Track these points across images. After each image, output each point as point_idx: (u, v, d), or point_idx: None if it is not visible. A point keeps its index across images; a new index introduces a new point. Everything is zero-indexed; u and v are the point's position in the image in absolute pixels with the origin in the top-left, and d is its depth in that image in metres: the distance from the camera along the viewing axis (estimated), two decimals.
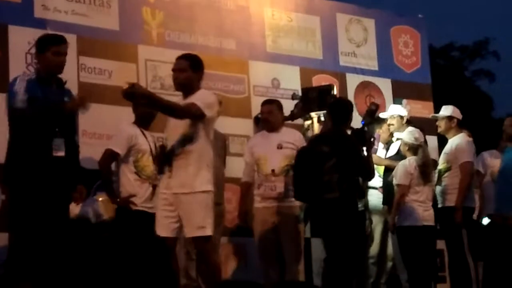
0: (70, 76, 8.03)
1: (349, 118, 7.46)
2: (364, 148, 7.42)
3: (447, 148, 8.58)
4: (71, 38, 8.37)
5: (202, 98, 6.12)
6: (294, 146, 7.56)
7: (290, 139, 7.63)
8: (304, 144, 7.60)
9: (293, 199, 7.46)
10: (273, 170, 7.50)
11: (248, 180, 7.74)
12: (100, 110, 8.21)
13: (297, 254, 7.55)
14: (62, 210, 6.15)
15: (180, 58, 6.37)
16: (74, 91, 8.00)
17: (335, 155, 7.12)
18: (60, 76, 6.41)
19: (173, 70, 6.33)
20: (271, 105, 7.85)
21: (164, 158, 6.20)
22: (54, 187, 6.07)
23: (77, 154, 6.35)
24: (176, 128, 6.15)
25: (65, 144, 6.12)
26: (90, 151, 7.47)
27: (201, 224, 5.99)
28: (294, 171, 7.34)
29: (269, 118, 7.73)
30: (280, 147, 7.57)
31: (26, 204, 6.03)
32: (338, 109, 7.54)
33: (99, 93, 8.43)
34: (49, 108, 6.08)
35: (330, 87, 8.35)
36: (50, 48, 6.26)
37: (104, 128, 7.96)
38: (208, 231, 6.00)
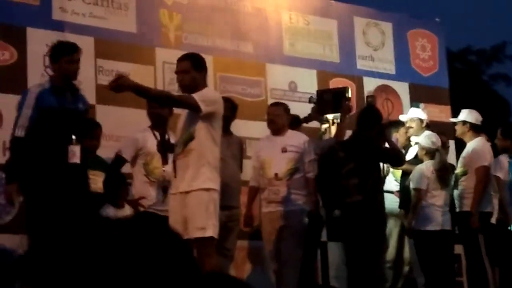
0: (87, 78, 8.11)
1: (375, 126, 7.49)
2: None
3: (464, 152, 8.56)
4: (89, 41, 8.42)
5: (201, 93, 6.09)
6: (299, 150, 7.54)
7: (295, 142, 7.60)
8: (310, 147, 7.62)
9: (297, 203, 7.44)
10: (276, 174, 7.47)
11: (255, 185, 7.72)
12: (118, 113, 8.24)
13: (292, 256, 7.42)
14: (76, 216, 6.14)
15: (181, 59, 6.33)
16: (92, 93, 8.09)
17: (353, 160, 7.20)
18: (74, 82, 6.46)
19: (176, 72, 6.32)
20: (278, 107, 7.84)
21: (163, 148, 6.24)
22: (69, 194, 6.09)
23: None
24: (182, 128, 6.17)
25: (81, 151, 6.14)
26: (108, 154, 7.49)
27: (201, 225, 5.94)
28: (317, 178, 7.46)
29: (275, 120, 7.68)
30: (284, 150, 7.53)
31: (40, 211, 6.11)
32: (367, 115, 7.60)
33: (117, 95, 8.45)
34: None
35: (344, 90, 8.33)
36: (63, 58, 6.32)
37: (122, 131, 7.93)
38: (209, 232, 5.95)
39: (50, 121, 6.13)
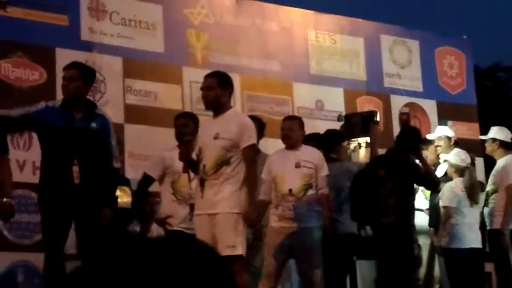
0: (116, 98, 8.17)
1: (414, 145, 7.49)
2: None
3: (494, 169, 8.50)
4: (117, 61, 8.50)
5: (250, 130, 6.18)
6: (312, 165, 7.30)
7: (309, 157, 7.35)
8: (324, 163, 7.46)
9: (311, 220, 7.34)
10: (290, 190, 7.21)
11: (265, 199, 7.35)
12: (146, 132, 8.28)
13: (313, 277, 7.27)
14: (80, 235, 6.12)
15: (208, 76, 6.36)
16: (120, 113, 8.14)
17: (392, 179, 7.14)
18: (91, 98, 6.49)
19: (202, 88, 6.33)
20: (293, 121, 7.59)
21: (187, 156, 6.25)
22: (68, 214, 6.05)
23: (109, 179, 6.24)
24: (213, 149, 6.13)
25: (80, 172, 6.02)
26: (136, 172, 7.52)
27: (231, 243, 5.94)
28: (351, 193, 7.36)
29: (290, 135, 7.42)
30: (298, 165, 7.27)
31: (44, 231, 6.23)
32: (407, 135, 7.56)
33: (145, 115, 8.51)
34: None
35: (373, 113, 8.30)
36: None
37: (150, 150, 7.96)
38: (239, 250, 5.95)
39: (54, 141, 6.06)
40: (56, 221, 6.05)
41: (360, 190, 7.25)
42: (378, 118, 8.25)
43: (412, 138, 7.57)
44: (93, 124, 6.15)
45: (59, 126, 6.03)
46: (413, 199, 7.55)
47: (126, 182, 7.39)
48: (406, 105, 10.39)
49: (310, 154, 7.42)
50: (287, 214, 7.21)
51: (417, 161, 7.59)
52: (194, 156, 6.37)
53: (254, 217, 6.26)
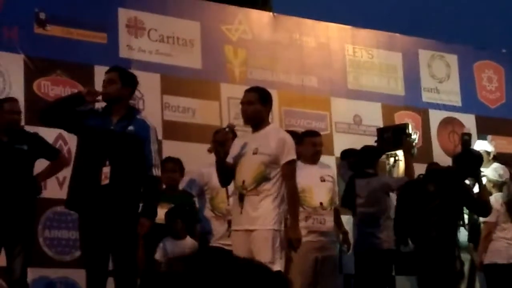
0: (154, 114, 8.20)
1: (474, 169, 7.33)
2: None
3: None
4: (155, 77, 8.55)
5: (289, 146, 6.12)
6: (333, 179, 7.38)
7: (329, 172, 7.43)
8: (335, 177, 7.50)
9: (334, 233, 7.28)
10: (321, 203, 7.19)
11: None
12: (184, 148, 8.29)
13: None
14: (108, 239, 5.96)
15: (248, 91, 6.34)
16: (158, 129, 8.11)
17: (439, 197, 7.05)
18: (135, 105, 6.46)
19: (242, 103, 6.29)
20: (321, 137, 7.57)
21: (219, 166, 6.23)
22: (95, 216, 5.95)
23: (146, 187, 6.07)
24: (252, 164, 6.11)
25: (111, 173, 5.90)
26: None
27: (269, 259, 5.85)
28: (397, 203, 7.32)
29: (321, 151, 7.45)
30: (322, 179, 7.28)
31: (80, 234, 6.18)
32: (470, 156, 7.42)
33: (183, 131, 8.55)
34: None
35: (404, 126, 8.27)
36: None
37: (189, 166, 7.96)
38: (276, 267, 5.87)
39: (87, 143, 6.04)
40: (90, 231, 5.96)
41: (406, 202, 7.17)
42: (410, 131, 8.21)
43: (474, 161, 7.39)
44: (131, 128, 6.05)
45: (94, 128, 5.99)
46: (458, 219, 7.43)
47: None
48: (444, 119, 10.33)
49: (329, 169, 7.50)
50: (317, 227, 7.17)
51: (476, 185, 7.48)
52: (228, 160, 6.33)
53: (299, 238, 6.12)
